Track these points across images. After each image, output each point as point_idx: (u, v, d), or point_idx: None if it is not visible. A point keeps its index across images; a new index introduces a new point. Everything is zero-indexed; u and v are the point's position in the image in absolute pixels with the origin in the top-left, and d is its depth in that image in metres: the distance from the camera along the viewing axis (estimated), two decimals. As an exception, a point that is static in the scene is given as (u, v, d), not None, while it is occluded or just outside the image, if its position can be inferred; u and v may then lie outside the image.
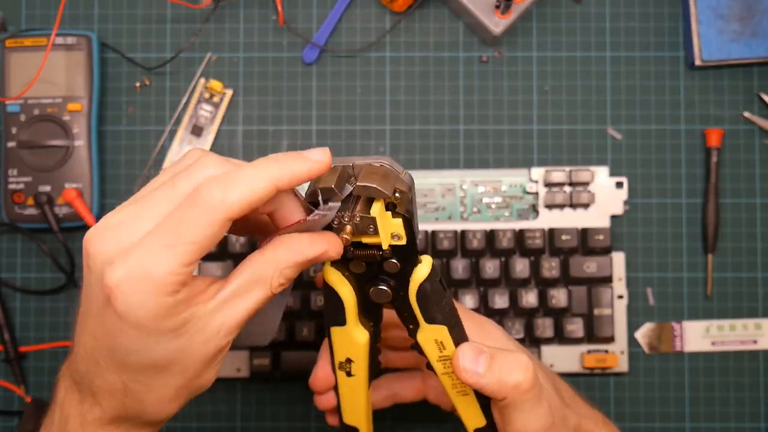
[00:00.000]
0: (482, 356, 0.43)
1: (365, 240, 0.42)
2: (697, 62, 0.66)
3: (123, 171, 0.67)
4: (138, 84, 0.67)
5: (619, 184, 0.65)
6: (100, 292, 0.36)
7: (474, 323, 0.50)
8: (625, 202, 0.65)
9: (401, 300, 0.44)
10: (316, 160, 0.39)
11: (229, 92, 0.67)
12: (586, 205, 0.64)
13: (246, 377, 0.63)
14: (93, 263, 0.36)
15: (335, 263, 0.44)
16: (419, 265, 0.44)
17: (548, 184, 0.64)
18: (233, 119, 0.67)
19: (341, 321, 0.46)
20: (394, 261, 0.43)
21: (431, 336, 0.45)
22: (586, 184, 0.64)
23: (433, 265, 0.44)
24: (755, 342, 0.66)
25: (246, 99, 0.67)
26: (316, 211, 0.40)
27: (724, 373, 0.66)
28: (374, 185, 0.40)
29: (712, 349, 0.66)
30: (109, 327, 0.36)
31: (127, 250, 0.35)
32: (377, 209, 0.41)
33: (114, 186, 0.67)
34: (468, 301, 0.63)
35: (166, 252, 0.35)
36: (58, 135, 0.64)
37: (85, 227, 0.65)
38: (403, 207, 0.41)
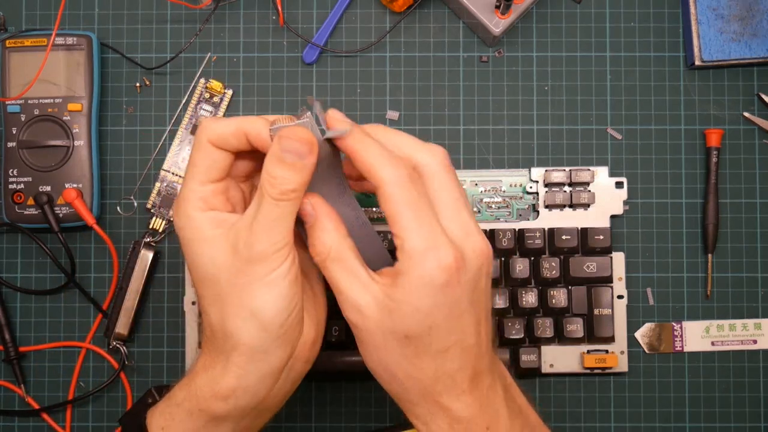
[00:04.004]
0: None
1: None
2: (697, 62, 0.66)
3: (123, 171, 0.67)
4: (138, 84, 0.67)
5: (619, 184, 0.65)
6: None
7: None
8: (625, 202, 0.65)
9: None
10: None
11: (229, 92, 0.67)
12: (586, 205, 0.64)
13: (246, 377, 0.63)
14: None
15: None
16: None
17: (548, 184, 0.64)
18: (233, 119, 0.67)
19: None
20: None
21: None
22: (586, 184, 0.64)
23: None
24: (755, 342, 0.66)
25: (246, 99, 0.67)
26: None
27: (724, 373, 0.66)
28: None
29: (712, 349, 0.66)
30: (184, 250, 0.46)
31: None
32: None
33: (114, 186, 0.67)
34: (468, 301, 0.63)
35: (185, 182, 0.47)
36: (58, 135, 0.64)
37: (86, 227, 0.65)
38: None
